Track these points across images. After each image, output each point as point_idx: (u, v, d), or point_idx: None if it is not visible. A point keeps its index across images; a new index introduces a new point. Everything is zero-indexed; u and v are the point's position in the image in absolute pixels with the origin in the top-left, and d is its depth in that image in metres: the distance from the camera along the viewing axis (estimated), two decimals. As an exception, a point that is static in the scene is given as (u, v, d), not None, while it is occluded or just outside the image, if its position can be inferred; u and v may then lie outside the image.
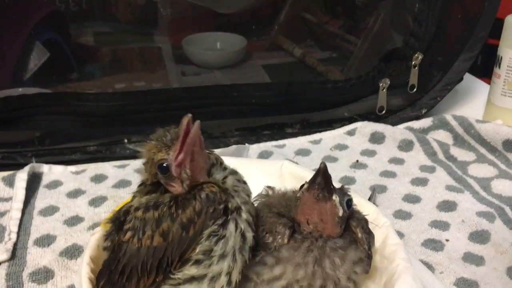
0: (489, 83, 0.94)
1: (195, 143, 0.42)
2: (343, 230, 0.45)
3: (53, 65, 0.94)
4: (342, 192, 0.45)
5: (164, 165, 0.42)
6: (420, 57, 0.88)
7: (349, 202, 0.45)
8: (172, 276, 0.41)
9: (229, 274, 0.42)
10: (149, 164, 0.44)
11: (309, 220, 0.44)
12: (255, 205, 0.49)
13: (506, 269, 0.58)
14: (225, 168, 0.46)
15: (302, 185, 0.46)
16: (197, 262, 0.41)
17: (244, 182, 0.46)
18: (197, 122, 0.41)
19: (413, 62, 0.89)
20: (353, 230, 0.45)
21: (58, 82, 0.96)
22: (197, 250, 0.41)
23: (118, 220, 0.45)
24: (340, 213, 0.44)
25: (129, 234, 0.43)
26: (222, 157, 0.48)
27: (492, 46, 1.03)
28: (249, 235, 0.44)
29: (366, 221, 0.47)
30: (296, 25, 1.12)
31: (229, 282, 0.43)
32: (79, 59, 1.01)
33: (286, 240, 0.44)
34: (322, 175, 0.43)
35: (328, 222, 0.44)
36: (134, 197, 0.46)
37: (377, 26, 0.96)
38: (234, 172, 0.46)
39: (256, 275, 0.45)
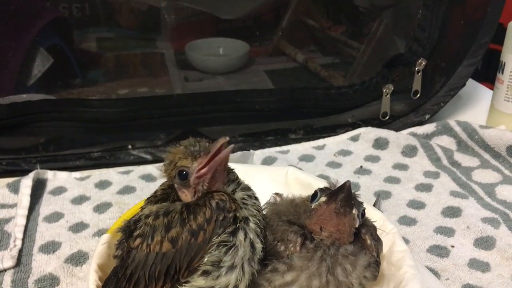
0: (490, 88, 0.94)
1: (221, 163, 0.44)
2: (354, 236, 0.46)
3: (57, 71, 0.94)
4: (358, 202, 0.45)
5: (184, 172, 0.44)
6: (423, 62, 0.88)
7: (363, 212, 0.45)
8: (180, 287, 0.42)
9: (236, 287, 0.43)
10: (170, 167, 0.45)
11: (323, 228, 0.44)
12: (264, 212, 0.49)
13: (511, 275, 0.58)
14: (239, 184, 0.47)
15: (314, 194, 0.46)
16: (205, 273, 0.42)
17: (256, 198, 0.47)
18: (231, 146, 0.43)
19: (416, 68, 0.89)
20: (363, 237, 0.46)
21: (62, 88, 0.96)
22: (206, 259, 0.41)
23: (129, 229, 0.45)
24: (357, 224, 0.45)
25: (138, 240, 0.43)
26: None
27: (493, 51, 1.04)
28: (259, 246, 0.44)
29: (375, 228, 0.48)
30: (298, 30, 1.12)
31: None
32: (83, 65, 1.02)
33: (298, 248, 0.44)
34: (346, 193, 0.43)
35: (345, 232, 0.45)
36: (144, 207, 0.47)
37: (380, 32, 0.96)
38: (246, 188, 0.47)
39: (267, 282, 0.45)
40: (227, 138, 0.43)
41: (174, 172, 0.45)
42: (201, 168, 0.44)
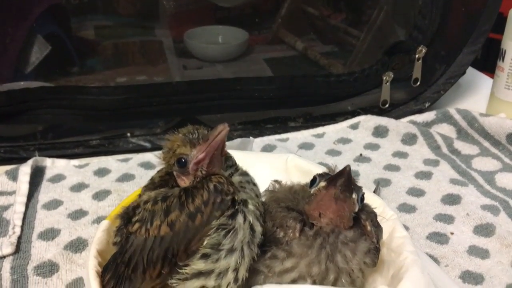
0: (489, 77, 0.93)
1: (218, 147, 0.44)
2: (353, 221, 0.45)
3: (55, 58, 0.93)
4: (357, 187, 0.45)
5: (183, 160, 0.44)
6: (423, 50, 0.88)
7: (363, 197, 0.45)
8: (179, 270, 0.41)
9: (236, 270, 0.43)
10: (169, 154, 0.45)
11: (322, 214, 0.44)
12: (263, 199, 0.49)
13: (511, 262, 0.58)
14: (236, 169, 0.47)
15: (313, 180, 0.46)
16: (205, 256, 0.41)
17: (254, 184, 0.47)
18: (226, 130, 0.43)
19: (416, 55, 0.88)
20: (363, 223, 0.46)
21: (60, 76, 0.96)
22: (205, 242, 0.41)
23: (128, 215, 0.45)
24: (357, 209, 0.45)
25: (137, 225, 0.43)
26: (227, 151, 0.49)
27: (492, 40, 1.03)
28: (258, 228, 0.44)
29: (375, 214, 0.47)
30: (298, 18, 1.12)
31: (235, 279, 0.43)
32: (81, 52, 1.01)
33: (297, 234, 0.44)
34: (346, 178, 0.43)
35: (344, 217, 0.45)
36: (142, 194, 0.46)
37: (380, 19, 0.96)
38: (244, 174, 0.47)
39: (266, 268, 0.45)
40: (226, 125, 0.43)
41: (173, 159, 0.45)
42: (200, 155, 0.44)
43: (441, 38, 0.89)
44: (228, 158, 0.47)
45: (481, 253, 0.60)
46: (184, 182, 0.45)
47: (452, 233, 0.63)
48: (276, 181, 0.52)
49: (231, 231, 0.42)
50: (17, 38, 0.90)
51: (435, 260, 0.59)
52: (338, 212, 0.44)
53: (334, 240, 0.44)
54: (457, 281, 0.56)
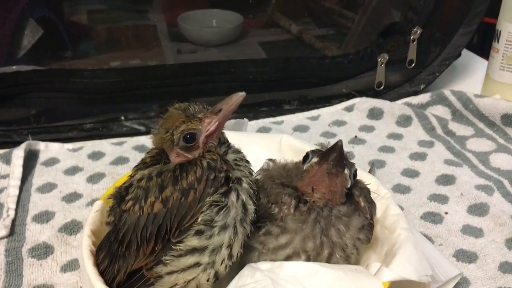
0: (485, 60, 0.93)
1: (229, 115, 0.43)
2: (346, 197, 0.45)
3: (47, 42, 0.92)
4: (349, 163, 0.45)
5: (188, 135, 0.43)
6: (418, 31, 0.87)
7: (355, 173, 0.45)
8: (173, 247, 0.41)
9: (230, 247, 0.43)
10: (169, 132, 0.44)
11: (315, 190, 0.44)
12: (258, 178, 0.49)
13: (504, 240, 0.59)
14: (229, 147, 0.47)
15: (306, 156, 0.46)
16: (199, 233, 0.41)
17: (247, 161, 0.47)
18: (242, 96, 0.42)
19: (411, 37, 0.88)
20: (356, 199, 0.46)
21: (52, 60, 0.95)
22: (199, 219, 0.41)
23: (120, 195, 0.45)
24: (349, 185, 0.45)
25: (130, 203, 0.43)
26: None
27: (488, 24, 1.03)
28: (251, 207, 0.44)
29: (369, 191, 0.47)
30: (292, 1, 1.11)
31: (230, 256, 0.43)
32: (73, 36, 1.00)
33: (292, 210, 0.44)
34: (338, 153, 0.43)
35: (337, 193, 0.45)
36: (135, 174, 0.46)
37: (375, 1, 0.95)
38: (237, 151, 0.47)
39: (260, 245, 0.45)
40: (243, 93, 0.43)
41: (177, 137, 0.43)
42: (211, 126, 0.43)
43: (436, 19, 0.89)
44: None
45: (475, 232, 0.60)
46: (187, 159, 0.44)
47: (446, 213, 0.63)
48: (270, 159, 0.52)
49: (224, 208, 0.42)
50: (8, 22, 0.88)
51: (429, 239, 0.59)
52: (330, 187, 0.44)
53: (328, 214, 0.44)
54: (451, 260, 0.56)
